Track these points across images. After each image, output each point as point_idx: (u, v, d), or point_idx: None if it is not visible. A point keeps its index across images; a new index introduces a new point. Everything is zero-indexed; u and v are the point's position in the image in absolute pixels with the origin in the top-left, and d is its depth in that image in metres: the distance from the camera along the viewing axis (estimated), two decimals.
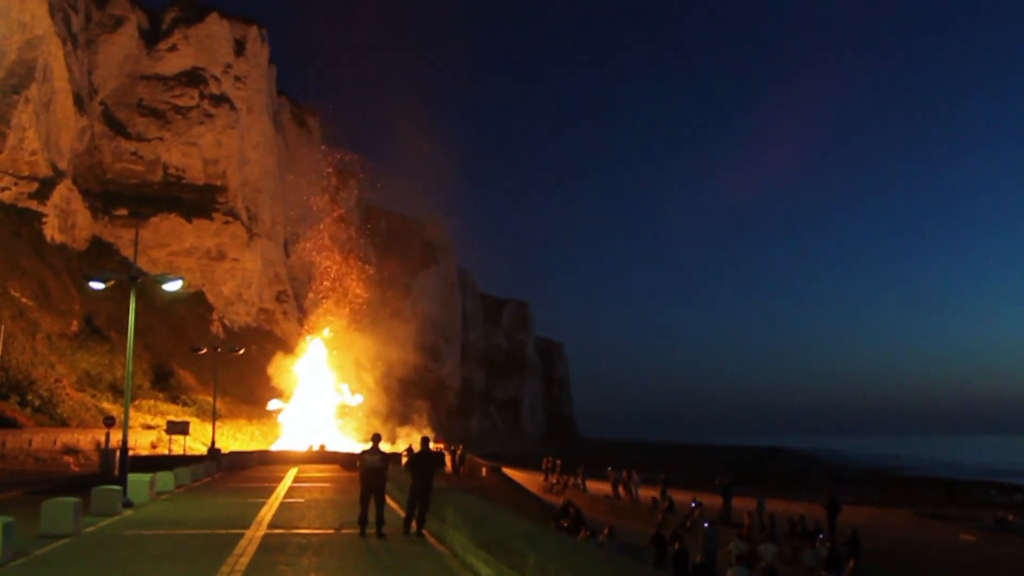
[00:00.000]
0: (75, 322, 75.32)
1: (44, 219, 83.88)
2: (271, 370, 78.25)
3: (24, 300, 69.42)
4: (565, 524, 29.07)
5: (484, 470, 55.79)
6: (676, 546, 23.80)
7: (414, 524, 17.25)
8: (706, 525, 27.22)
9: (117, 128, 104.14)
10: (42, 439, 48.25)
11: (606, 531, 25.49)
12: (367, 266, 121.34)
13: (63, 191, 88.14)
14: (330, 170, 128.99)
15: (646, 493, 45.31)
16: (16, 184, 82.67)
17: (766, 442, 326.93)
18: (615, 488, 48.58)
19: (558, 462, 58.65)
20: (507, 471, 58.33)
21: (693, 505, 34.05)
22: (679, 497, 40.69)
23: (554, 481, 56.57)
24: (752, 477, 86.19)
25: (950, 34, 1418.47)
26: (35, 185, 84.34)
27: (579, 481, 53.43)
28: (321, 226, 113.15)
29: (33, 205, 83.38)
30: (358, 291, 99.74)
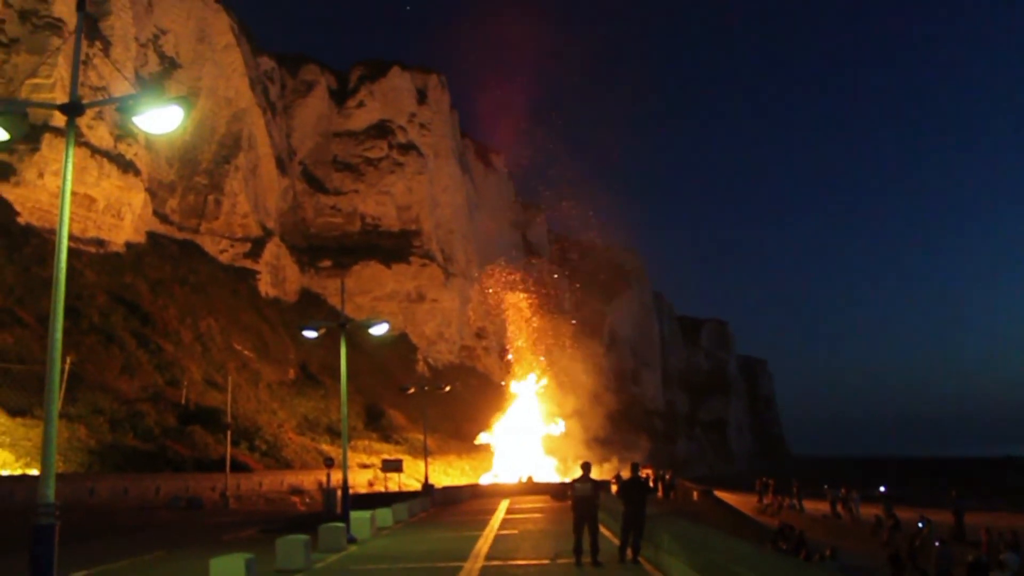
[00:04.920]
0: (292, 370, 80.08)
1: (258, 276, 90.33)
2: (478, 407, 79.94)
3: (246, 352, 74.61)
4: (783, 546, 27.98)
5: (695, 494, 54.62)
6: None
7: (629, 551, 17.05)
8: (937, 544, 25.44)
9: (316, 185, 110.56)
10: (271, 481, 51.60)
11: (828, 552, 24.37)
12: (561, 296, 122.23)
13: (273, 248, 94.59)
14: (518, 203, 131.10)
15: (867, 511, 42.99)
16: (232, 246, 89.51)
17: (993, 451, 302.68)
18: (833, 507, 46.45)
19: (770, 482, 56.65)
20: (718, 494, 56.92)
21: (920, 525, 31.82)
22: (903, 514, 38.15)
23: (768, 502, 54.63)
24: (983, 490, 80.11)
25: None
26: (248, 245, 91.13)
27: (794, 501, 51.37)
28: (513, 260, 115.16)
29: (248, 264, 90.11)
30: (555, 322, 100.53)
